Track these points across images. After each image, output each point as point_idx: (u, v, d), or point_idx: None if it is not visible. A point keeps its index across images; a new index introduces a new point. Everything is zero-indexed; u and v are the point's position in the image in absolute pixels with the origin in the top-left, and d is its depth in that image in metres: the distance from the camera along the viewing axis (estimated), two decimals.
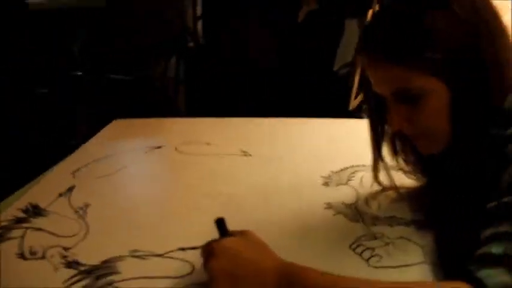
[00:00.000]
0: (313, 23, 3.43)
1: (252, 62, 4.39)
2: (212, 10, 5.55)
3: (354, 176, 1.06)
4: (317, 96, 2.77)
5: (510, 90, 0.69)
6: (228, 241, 0.64)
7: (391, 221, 0.86)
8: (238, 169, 1.13)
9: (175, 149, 1.27)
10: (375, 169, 0.93)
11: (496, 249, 0.53)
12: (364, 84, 0.83)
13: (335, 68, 2.85)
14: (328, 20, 3.16)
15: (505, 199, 0.58)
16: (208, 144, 1.29)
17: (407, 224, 0.85)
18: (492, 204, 0.60)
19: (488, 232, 0.57)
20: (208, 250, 0.63)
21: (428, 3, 0.69)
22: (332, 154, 1.20)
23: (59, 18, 3.80)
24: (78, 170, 1.12)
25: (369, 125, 0.89)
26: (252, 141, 1.30)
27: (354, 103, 2.67)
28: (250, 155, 1.21)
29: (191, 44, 4.72)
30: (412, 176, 0.95)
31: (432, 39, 0.67)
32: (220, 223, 0.66)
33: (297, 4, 3.81)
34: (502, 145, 0.64)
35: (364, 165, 1.06)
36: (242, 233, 0.66)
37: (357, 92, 2.63)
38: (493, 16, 0.71)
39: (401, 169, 0.93)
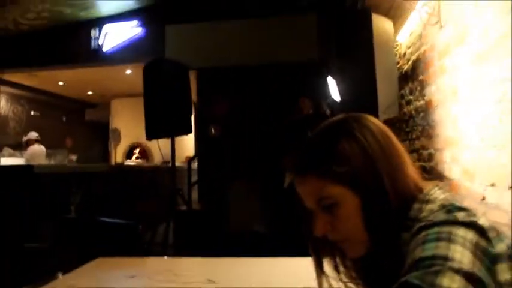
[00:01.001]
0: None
1: (241, 226, 4.55)
2: (206, 176, 5.92)
3: None
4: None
5: (406, 197, 0.87)
6: None
7: None
8: None
9: (148, 277, 1.38)
10: (318, 278, 1.04)
11: None
12: (301, 207, 1.00)
13: None
14: None
15: (402, 279, 0.71)
16: (176, 275, 1.41)
17: None
18: (397, 284, 0.72)
19: None
20: None
21: (337, 132, 0.92)
22: (290, 281, 1.30)
23: (59, 179, 4.11)
24: None
25: (309, 243, 1.03)
26: (218, 273, 1.42)
27: None
28: (214, 282, 1.32)
29: (184, 208, 4.93)
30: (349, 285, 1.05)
31: (339, 157, 0.88)
32: None
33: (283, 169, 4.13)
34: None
35: None
36: None
37: None
38: (389, 141, 0.92)
39: (339, 277, 1.04)
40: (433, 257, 0.69)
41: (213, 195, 5.61)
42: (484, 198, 1.99)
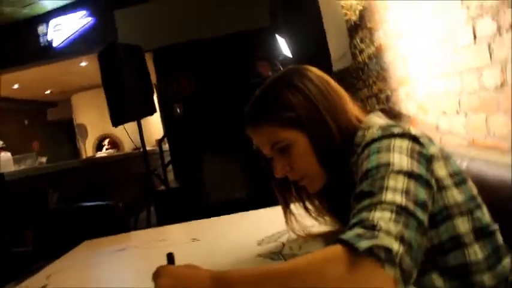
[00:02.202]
0: None
1: (221, 196, 4.65)
2: (178, 155, 5.95)
3: (283, 236, 1.27)
4: None
5: (348, 129, 0.99)
6: (171, 266, 0.83)
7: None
8: (187, 249, 1.33)
9: (136, 247, 1.46)
10: (286, 217, 1.16)
11: (354, 220, 0.75)
12: (259, 155, 1.10)
13: None
14: None
15: (356, 191, 0.81)
16: (163, 239, 1.50)
17: None
18: (352, 196, 0.83)
19: (351, 213, 0.79)
20: (156, 273, 0.81)
21: (281, 84, 1.03)
22: (269, 228, 1.40)
23: (32, 182, 4.11)
24: (50, 275, 1.30)
25: (272, 184, 1.14)
26: (201, 232, 1.51)
27: None
28: (198, 240, 1.41)
29: (162, 188, 4.99)
30: (320, 219, 1.17)
31: (284, 106, 1.00)
32: (170, 256, 0.85)
33: None
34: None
35: None
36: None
37: None
38: (327, 85, 1.03)
39: (310, 214, 1.17)
40: (377, 166, 0.81)
41: (188, 172, 5.66)
42: (437, 128, 2.12)
